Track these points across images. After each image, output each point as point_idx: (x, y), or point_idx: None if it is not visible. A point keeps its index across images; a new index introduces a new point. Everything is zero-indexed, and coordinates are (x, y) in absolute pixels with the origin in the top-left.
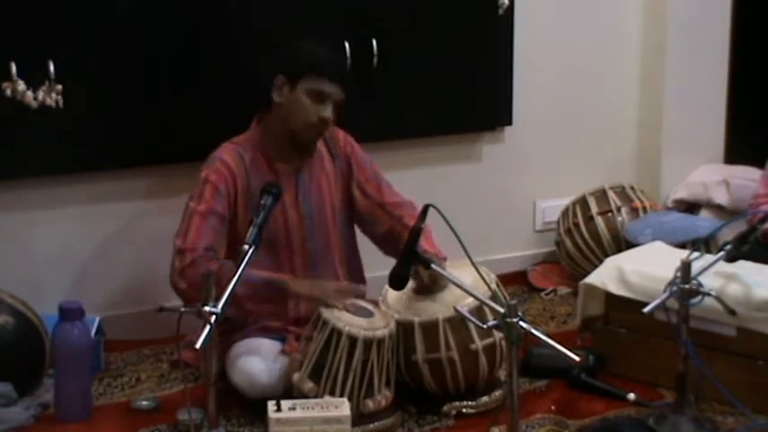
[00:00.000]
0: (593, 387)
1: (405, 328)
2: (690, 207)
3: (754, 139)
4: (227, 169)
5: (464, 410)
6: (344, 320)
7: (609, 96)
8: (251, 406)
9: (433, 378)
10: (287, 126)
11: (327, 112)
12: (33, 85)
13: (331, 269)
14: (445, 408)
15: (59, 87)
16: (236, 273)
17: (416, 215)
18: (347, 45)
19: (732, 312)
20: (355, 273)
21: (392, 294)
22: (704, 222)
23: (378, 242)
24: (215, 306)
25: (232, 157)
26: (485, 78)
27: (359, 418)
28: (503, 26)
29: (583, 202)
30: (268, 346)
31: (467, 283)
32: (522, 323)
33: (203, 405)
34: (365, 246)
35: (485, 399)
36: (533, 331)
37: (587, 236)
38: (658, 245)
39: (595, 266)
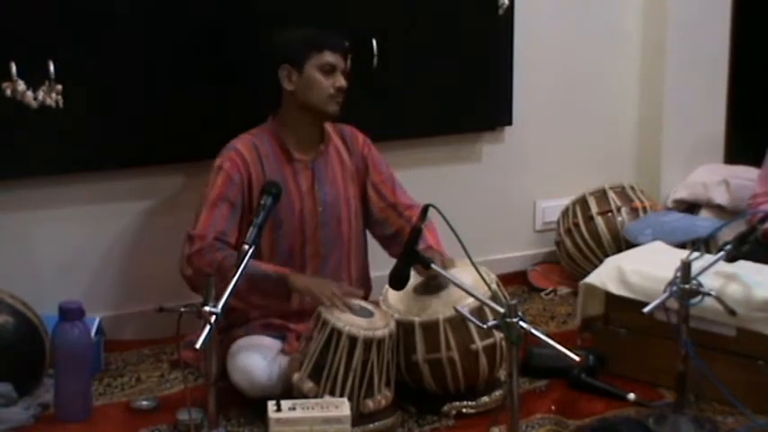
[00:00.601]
0: (593, 387)
1: (405, 328)
2: (690, 207)
3: (754, 139)
4: (240, 158)
5: (464, 410)
6: (344, 320)
7: (609, 96)
8: (251, 406)
9: (434, 378)
10: (306, 106)
11: (340, 80)
12: (33, 85)
13: (341, 261)
14: (445, 408)
15: (59, 87)
16: (235, 274)
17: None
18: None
19: (732, 312)
20: (362, 273)
21: (392, 294)
22: (704, 222)
23: (385, 243)
24: (215, 306)
25: (246, 147)
26: (485, 78)
27: (359, 418)
28: (503, 26)
29: (583, 202)
30: (269, 344)
31: (467, 284)
32: (522, 323)
33: (203, 405)
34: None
35: (485, 399)
36: (533, 331)
37: (587, 236)
38: (658, 245)
39: (595, 266)
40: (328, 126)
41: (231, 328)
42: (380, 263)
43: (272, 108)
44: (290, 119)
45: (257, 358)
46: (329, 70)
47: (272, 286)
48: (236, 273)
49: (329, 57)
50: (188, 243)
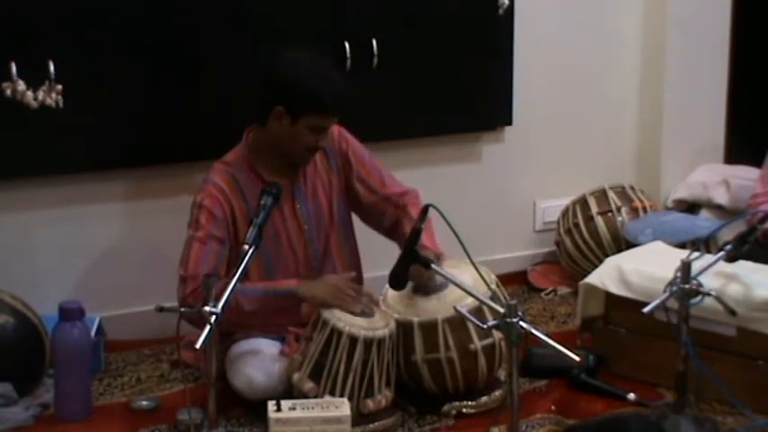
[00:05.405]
0: (593, 387)
1: (404, 328)
2: (690, 207)
3: (754, 139)
4: (220, 193)
5: (464, 410)
6: (345, 320)
7: (609, 96)
8: (251, 406)
9: (433, 378)
10: (281, 150)
11: (324, 141)
12: (33, 85)
13: (331, 269)
14: (445, 408)
15: (59, 87)
16: (238, 301)
17: (420, 203)
18: (347, 45)
19: (732, 312)
20: (354, 270)
21: (392, 294)
22: (704, 222)
23: (387, 233)
24: (215, 306)
25: (225, 180)
26: (485, 78)
27: (359, 417)
28: (503, 26)
29: (583, 202)
30: (268, 347)
31: (467, 283)
32: (522, 323)
33: (203, 405)
34: (365, 246)
35: (485, 399)
36: (533, 331)
37: (587, 236)
38: (658, 245)
39: (595, 266)
40: None
41: (229, 333)
42: (380, 263)
43: (250, 123)
44: (264, 148)
45: (256, 362)
46: (319, 131)
47: (279, 303)
48: (236, 273)
49: (327, 122)
50: (181, 285)
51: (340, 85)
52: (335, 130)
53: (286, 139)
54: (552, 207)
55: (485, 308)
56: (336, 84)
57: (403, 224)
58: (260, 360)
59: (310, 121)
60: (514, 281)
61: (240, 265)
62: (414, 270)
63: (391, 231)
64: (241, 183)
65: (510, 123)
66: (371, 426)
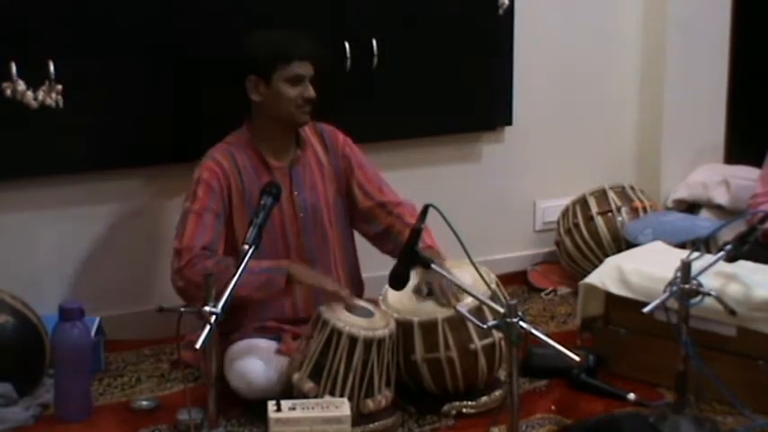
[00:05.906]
0: (593, 387)
1: (404, 328)
2: (690, 207)
3: (754, 139)
4: (218, 167)
5: (464, 410)
6: (345, 320)
7: (609, 96)
8: (251, 406)
9: (433, 378)
10: (276, 117)
11: (309, 91)
12: (33, 85)
13: (329, 266)
14: (445, 408)
15: (59, 87)
16: (235, 271)
17: (416, 214)
18: (347, 45)
19: (732, 312)
20: (353, 272)
21: (392, 294)
22: (704, 222)
23: (374, 240)
24: (215, 306)
25: (223, 156)
26: (485, 78)
27: (359, 417)
28: (503, 26)
29: (583, 202)
30: (265, 346)
31: (467, 283)
32: (522, 323)
33: (203, 405)
34: (364, 246)
35: (485, 399)
36: (533, 331)
37: (587, 236)
38: (658, 245)
39: (595, 266)
40: (305, 127)
41: (227, 334)
42: (380, 263)
43: (246, 112)
44: (261, 127)
45: (254, 362)
46: (297, 81)
47: (271, 285)
48: (235, 273)
49: (297, 68)
50: (176, 257)
51: (297, 33)
52: (340, 136)
53: (271, 104)
54: (552, 207)
55: (485, 308)
56: (292, 32)
57: (399, 232)
58: (257, 359)
59: (282, 73)
60: (514, 281)
61: (240, 265)
62: (428, 276)
63: (381, 238)
64: (239, 162)
65: (510, 123)
66: (371, 426)
